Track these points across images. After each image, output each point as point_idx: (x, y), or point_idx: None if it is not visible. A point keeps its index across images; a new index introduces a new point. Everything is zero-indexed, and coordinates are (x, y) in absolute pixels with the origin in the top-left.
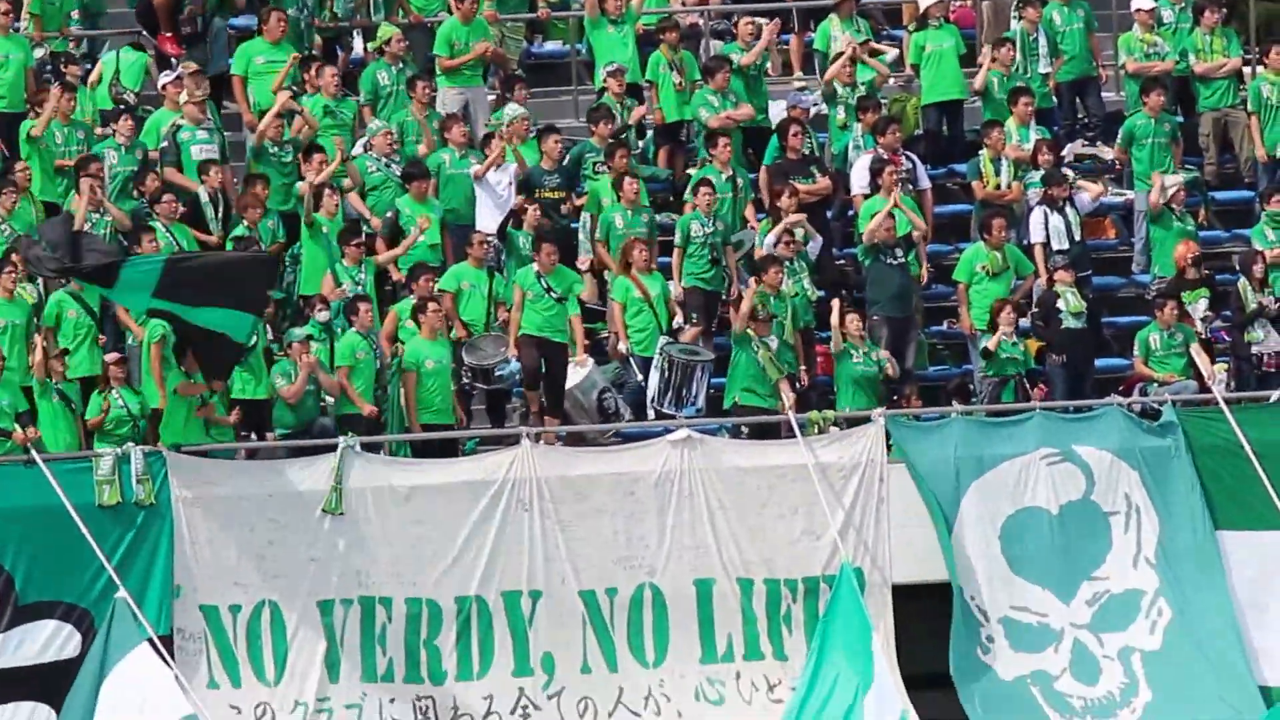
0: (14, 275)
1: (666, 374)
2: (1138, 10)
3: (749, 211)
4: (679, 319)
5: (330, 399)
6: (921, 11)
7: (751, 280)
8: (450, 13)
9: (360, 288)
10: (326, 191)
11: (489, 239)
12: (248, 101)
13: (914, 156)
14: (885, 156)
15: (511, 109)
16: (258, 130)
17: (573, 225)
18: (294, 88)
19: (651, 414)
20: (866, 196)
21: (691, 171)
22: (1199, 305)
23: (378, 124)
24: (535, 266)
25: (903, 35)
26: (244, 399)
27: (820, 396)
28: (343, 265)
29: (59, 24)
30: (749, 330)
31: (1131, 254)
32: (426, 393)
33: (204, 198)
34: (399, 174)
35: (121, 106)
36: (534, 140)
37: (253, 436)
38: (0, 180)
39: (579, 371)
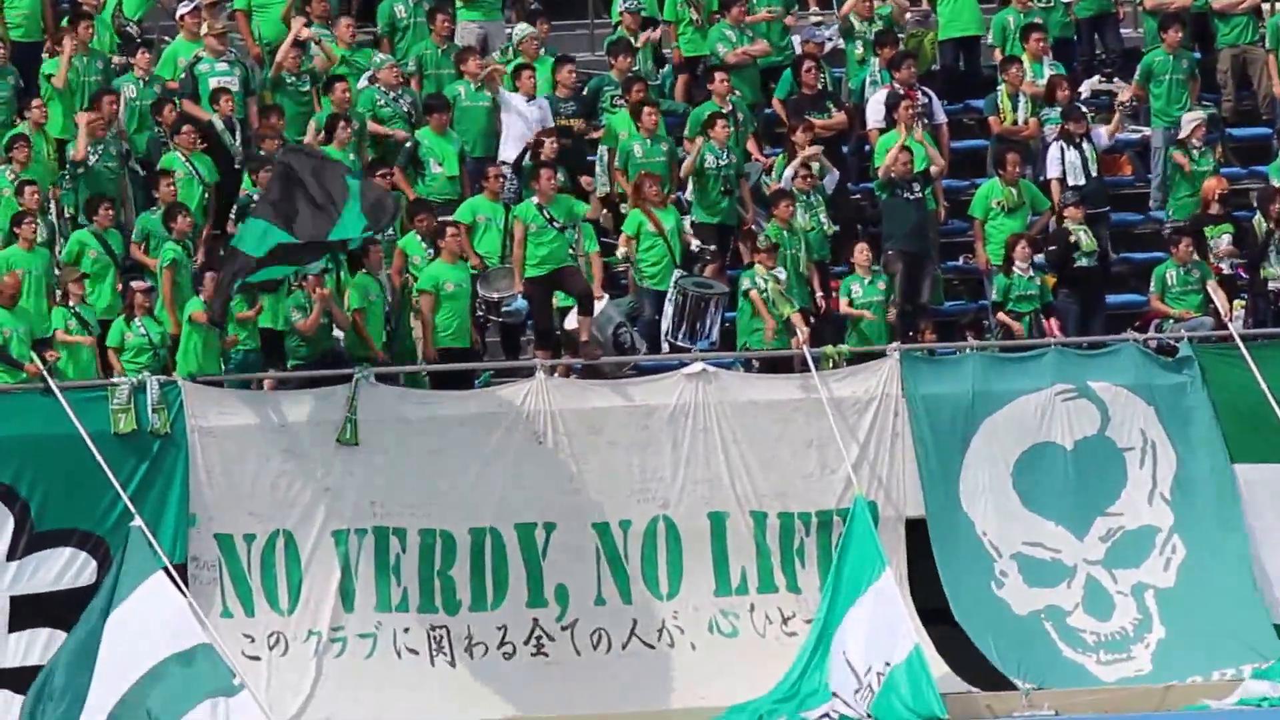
0: (33, 225)
1: (680, 307)
2: None
3: (751, 145)
4: (696, 243)
5: (340, 333)
6: None
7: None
8: None
9: None
10: (340, 123)
11: (504, 172)
12: (252, 35)
13: (930, 91)
14: (901, 91)
15: (522, 28)
16: (275, 61)
17: (589, 159)
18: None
19: (666, 347)
20: (882, 131)
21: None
22: (1222, 241)
23: (382, 57)
24: (536, 198)
25: None
26: (261, 329)
27: (835, 330)
28: None
29: None
30: (755, 264)
31: (1148, 190)
32: (445, 316)
33: (219, 125)
34: (406, 108)
35: (126, 40)
36: (547, 61)
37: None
38: (13, 139)
39: (595, 306)
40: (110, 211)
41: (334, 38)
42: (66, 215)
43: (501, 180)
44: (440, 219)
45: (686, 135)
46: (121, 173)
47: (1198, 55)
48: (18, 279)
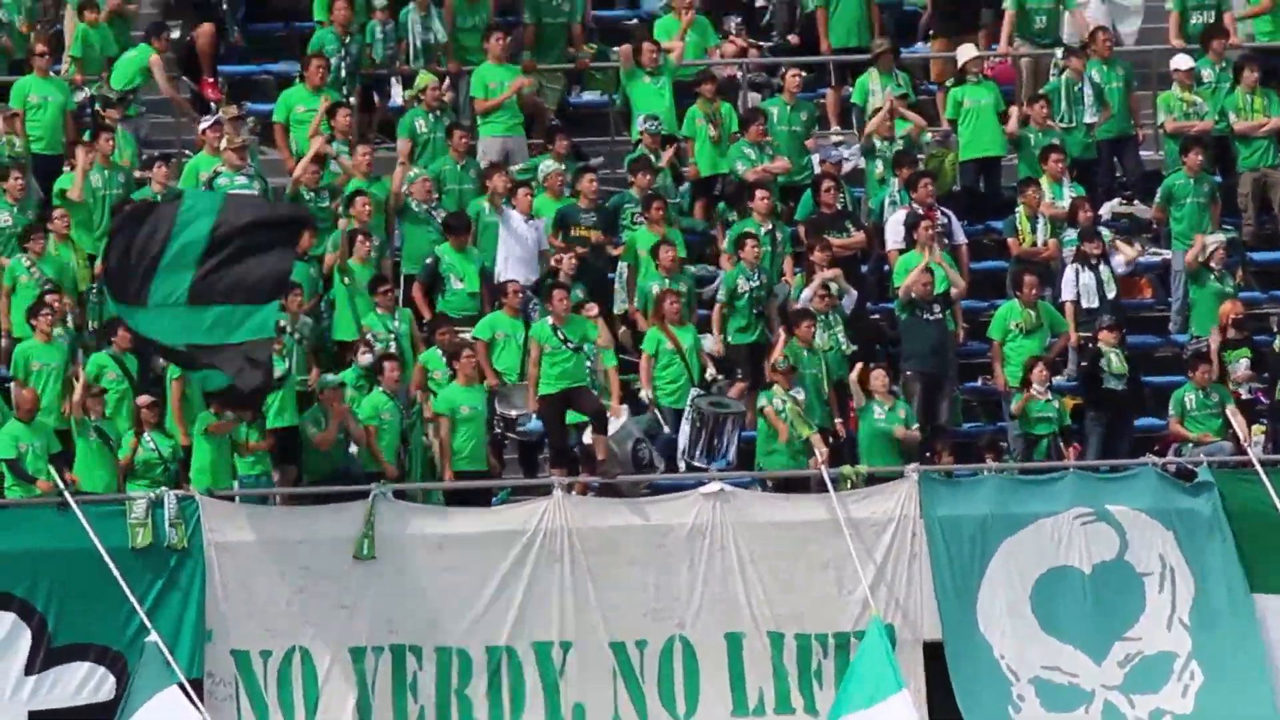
0: (50, 318)
1: (697, 426)
2: (1176, 70)
3: (787, 265)
4: (711, 371)
5: (356, 448)
6: (960, 66)
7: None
8: None
9: (394, 336)
10: (359, 238)
11: (524, 289)
12: (289, 148)
13: (949, 212)
14: (920, 211)
15: (546, 164)
16: (293, 176)
17: (609, 276)
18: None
19: (683, 466)
20: (901, 251)
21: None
22: (1240, 365)
23: (416, 171)
24: (550, 319)
25: (935, 90)
26: (275, 427)
27: (853, 451)
28: (376, 315)
29: (99, 68)
30: (774, 384)
31: (1168, 314)
32: (460, 439)
33: None
34: (440, 220)
35: (105, 104)
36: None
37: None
38: (35, 224)
39: (614, 422)
40: (128, 333)
41: (350, 151)
42: (91, 329)
43: (521, 296)
44: (458, 338)
45: (726, 250)
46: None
47: (1219, 179)
48: (35, 394)
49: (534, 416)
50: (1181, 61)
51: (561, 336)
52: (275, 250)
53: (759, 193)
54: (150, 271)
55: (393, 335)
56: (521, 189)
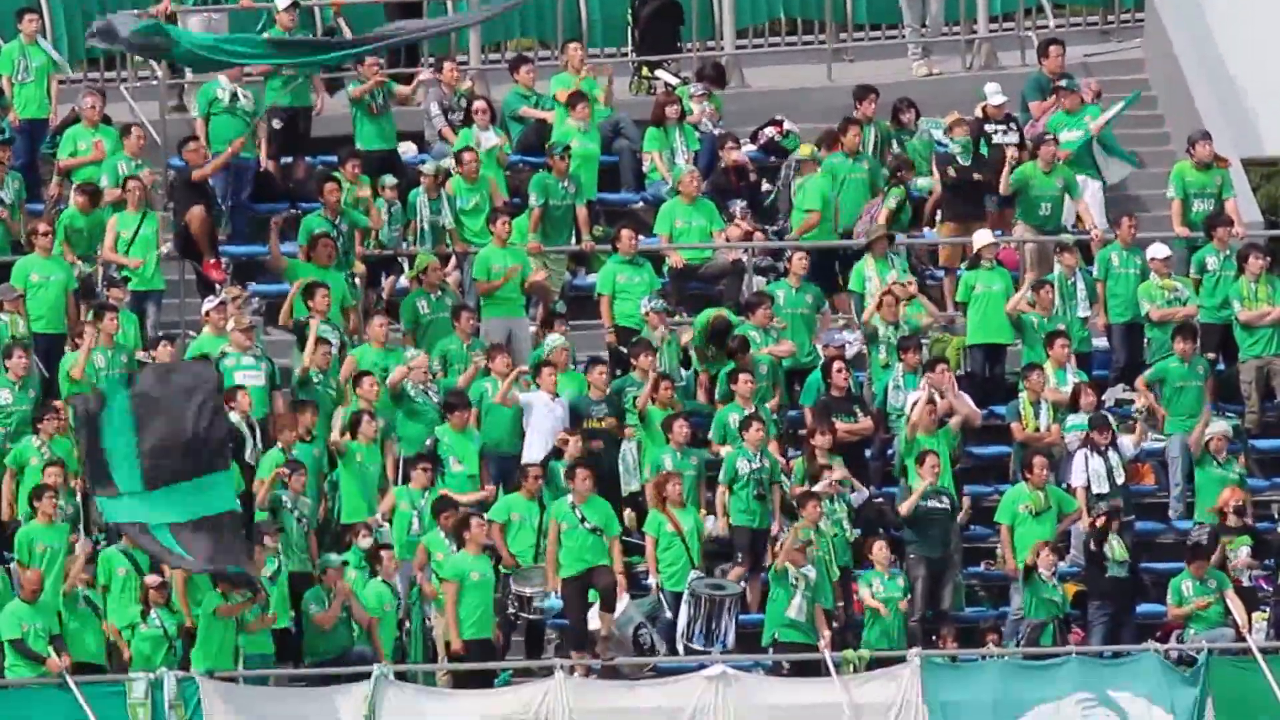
0: (53, 501)
1: (694, 609)
2: (1153, 259)
3: (773, 447)
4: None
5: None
6: (975, 251)
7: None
8: None
9: (418, 512)
10: (365, 418)
11: (540, 473)
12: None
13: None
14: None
15: (552, 339)
16: (303, 361)
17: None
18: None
19: (682, 649)
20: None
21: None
22: (1241, 552)
23: (412, 352)
24: (570, 498)
25: (942, 275)
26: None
27: (857, 635)
28: (408, 488)
29: (86, 248)
30: (787, 564)
31: (1169, 500)
32: (468, 607)
33: (235, 418)
34: (436, 402)
35: None
36: (574, 372)
37: None
38: (47, 407)
39: (616, 605)
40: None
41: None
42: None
43: (539, 481)
44: (464, 511)
45: (711, 438)
46: None
47: (1220, 365)
48: (39, 575)
49: (552, 594)
50: (1158, 250)
51: (580, 515)
52: (203, 415)
53: (741, 376)
54: (107, 462)
55: (417, 510)
56: (545, 368)
